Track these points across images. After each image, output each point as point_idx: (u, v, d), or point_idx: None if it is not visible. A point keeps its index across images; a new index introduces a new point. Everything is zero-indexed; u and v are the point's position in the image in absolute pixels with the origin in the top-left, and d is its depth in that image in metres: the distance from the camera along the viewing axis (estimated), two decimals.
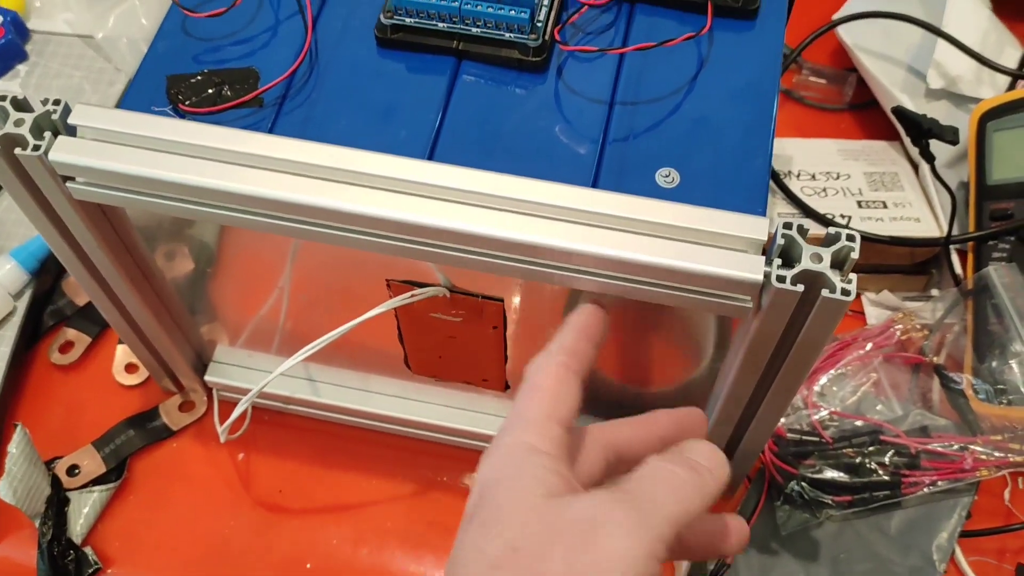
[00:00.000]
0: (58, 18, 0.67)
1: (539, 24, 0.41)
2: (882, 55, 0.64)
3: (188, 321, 0.51)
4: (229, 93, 0.41)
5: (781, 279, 0.33)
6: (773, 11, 0.43)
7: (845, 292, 0.33)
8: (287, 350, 0.45)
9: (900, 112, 0.53)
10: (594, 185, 0.39)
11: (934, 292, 0.57)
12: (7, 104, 0.37)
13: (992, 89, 0.61)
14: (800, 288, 0.33)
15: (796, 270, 0.33)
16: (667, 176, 0.39)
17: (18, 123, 0.37)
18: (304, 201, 0.36)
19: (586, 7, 0.42)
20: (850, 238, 0.34)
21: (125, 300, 0.46)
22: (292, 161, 0.36)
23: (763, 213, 0.38)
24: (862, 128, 0.64)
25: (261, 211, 0.37)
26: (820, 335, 0.35)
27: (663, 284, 0.35)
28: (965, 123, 0.61)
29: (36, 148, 0.37)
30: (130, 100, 0.41)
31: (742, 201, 0.38)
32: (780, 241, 0.34)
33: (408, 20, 0.41)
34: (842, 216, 0.55)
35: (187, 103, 0.41)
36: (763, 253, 0.35)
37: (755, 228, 0.35)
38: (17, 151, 0.36)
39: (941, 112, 0.62)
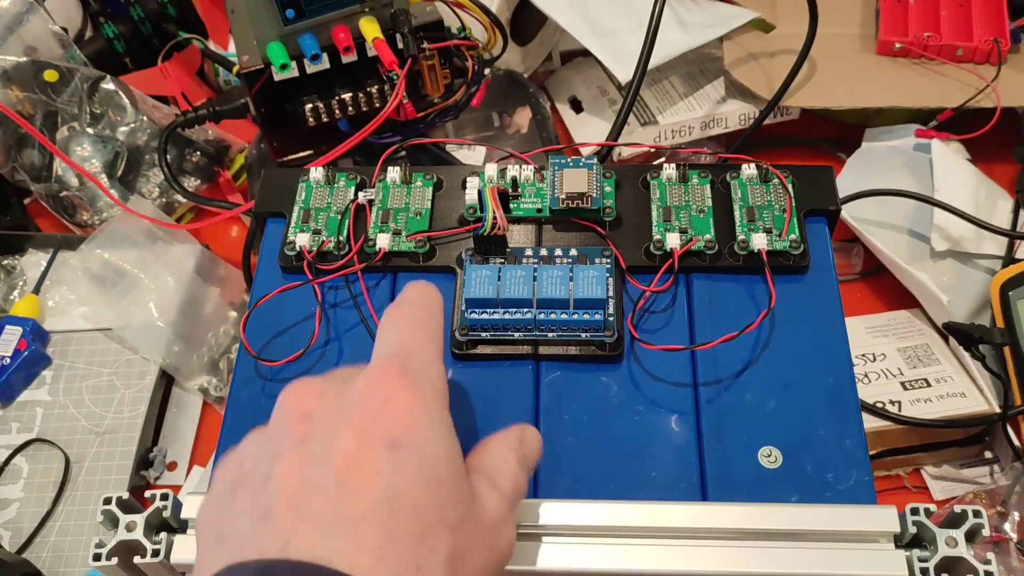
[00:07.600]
0: (74, 314, 0.66)
1: (611, 319, 0.42)
2: (881, 224, 0.66)
3: None
4: None
5: (925, 572, 0.34)
6: (821, 262, 0.45)
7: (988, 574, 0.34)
8: None
9: (952, 328, 0.56)
10: (702, 473, 0.39)
11: (988, 454, 0.59)
12: (114, 507, 0.37)
13: (995, 244, 0.64)
14: None
15: (936, 558, 0.34)
16: (769, 456, 0.40)
17: (130, 527, 0.37)
18: None
19: (649, 293, 0.44)
20: (976, 513, 0.35)
21: None
22: None
23: (871, 483, 0.39)
24: (879, 297, 0.66)
25: None
26: None
27: None
28: (974, 279, 0.64)
29: (155, 553, 0.36)
30: None
31: (845, 472, 0.39)
32: (912, 530, 0.35)
33: (484, 334, 0.42)
34: (891, 402, 0.57)
35: None
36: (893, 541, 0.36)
37: (885, 520, 0.35)
38: (137, 560, 0.36)
39: (950, 272, 0.64)
